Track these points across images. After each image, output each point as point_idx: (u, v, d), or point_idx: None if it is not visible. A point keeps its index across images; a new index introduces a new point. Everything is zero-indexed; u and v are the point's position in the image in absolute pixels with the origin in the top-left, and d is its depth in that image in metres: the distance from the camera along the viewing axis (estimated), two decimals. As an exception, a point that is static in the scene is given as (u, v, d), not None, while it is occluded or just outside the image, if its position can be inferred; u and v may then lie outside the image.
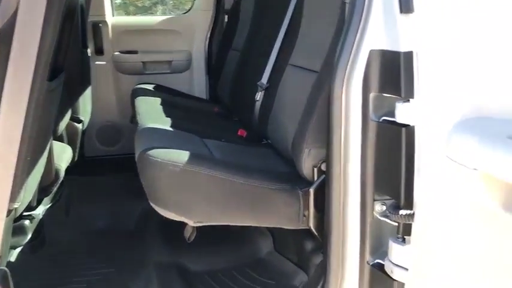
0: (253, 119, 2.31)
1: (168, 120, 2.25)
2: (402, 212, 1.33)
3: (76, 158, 2.55)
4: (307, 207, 1.64)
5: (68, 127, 2.47)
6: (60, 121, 2.21)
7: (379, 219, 1.46)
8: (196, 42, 3.56)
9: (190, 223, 1.64)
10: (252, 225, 1.74)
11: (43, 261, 2.03)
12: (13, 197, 1.35)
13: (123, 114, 3.32)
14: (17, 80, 1.27)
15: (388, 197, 1.43)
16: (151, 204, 1.64)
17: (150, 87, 3.20)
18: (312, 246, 1.81)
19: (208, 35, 3.56)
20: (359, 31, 1.38)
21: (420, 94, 1.26)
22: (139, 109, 2.52)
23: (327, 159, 1.50)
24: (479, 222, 0.94)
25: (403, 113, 1.32)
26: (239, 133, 2.31)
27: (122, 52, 3.42)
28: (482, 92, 0.95)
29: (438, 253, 1.10)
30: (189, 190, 1.59)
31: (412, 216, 1.32)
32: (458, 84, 1.03)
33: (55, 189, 2.06)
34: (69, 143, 2.45)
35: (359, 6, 1.38)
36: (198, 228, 1.74)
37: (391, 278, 1.40)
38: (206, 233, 1.91)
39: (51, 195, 2.11)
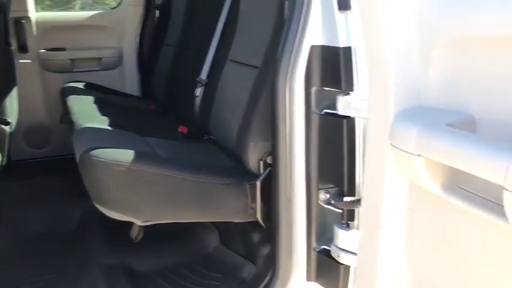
0: (194, 115, 2.31)
1: (106, 119, 2.20)
2: (346, 199, 1.41)
3: (4, 162, 2.42)
4: (254, 199, 1.68)
5: None
6: None
7: (324, 207, 1.53)
8: (126, 38, 3.48)
9: (139, 223, 1.63)
10: (201, 220, 1.76)
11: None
12: None
13: (51, 114, 3.19)
14: None
15: (331, 186, 1.51)
16: (97, 205, 1.60)
17: (81, 85, 3.10)
18: (259, 238, 1.85)
19: (139, 31, 3.50)
20: (300, 28, 1.43)
21: (359, 87, 1.34)
22: (72, 109, 2.44)
23: (273, 152, 1.55)
24: (421, 204, 1.02)
25: (344, 105, 1.39)
26: (180, 130, 2.30)
27: (48, 49, 3.28)
28: (418, 84, 1.03)
29: (382, 235, 1.18)
30: (136, 189, 1.58)
31: (355, 202, 1.40)
32: (396, 76, 1.10)
33: None
34: (-4, 146, 2.33)
35: (299, 4, 1.43)
36: (143, 227, 1.73)
37: (337, 262, 1.48)
38: (150, 232, 1.90)
39: None
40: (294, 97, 1.46)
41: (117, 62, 3.47)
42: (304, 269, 1.59)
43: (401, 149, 0.98)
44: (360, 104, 1.35)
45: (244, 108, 1.78)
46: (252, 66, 1.88)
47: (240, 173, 1.71)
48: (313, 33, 1.42)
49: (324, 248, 1.55)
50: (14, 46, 3.03)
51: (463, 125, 0.90)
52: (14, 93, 2.67)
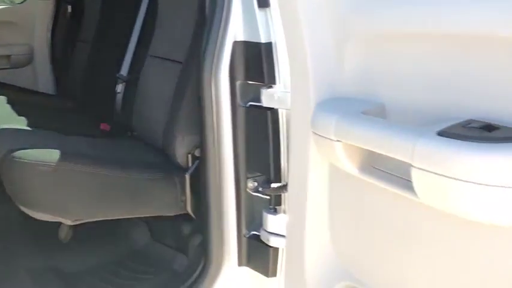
0: (116, 112, 2.29)
1: (23, 120, 2.12)
2: (273, 185, 1.50)
3: None
4: (184, 192, 1.72)
5: None
6: None
7: (252, 195, 1.61)
8: (37, 35, 3.33)
9: (68, 222, 1.61)
10: (132, 216, 1.77)
11: None
12: None
13: None
14: None
15: (259, 174, 1.59)
16: (21, 207, 1.56)
17: None
18: (189, 229, 1.89)
19: (51, 27, 3.36)
20: (222, 25, 1.49)
21: (282, 80, 1.43)
22: (-16, 110, 2.32)
23: (201, 144, 1.60)
24: (341, 185, 1.12)
25: (268, 98, 1.48)
26: (102, 127, 2.27)
27: (-51, 47, 3.06)
28: (336, 76, 1.13)
29: (307, 216, 1.27)
30: (64, 189, 1.56)
31: (282, 188, 1.50)
32: (314, 70, 1.19)
33: None
34: None
35: (220, 1, 1.49)
36: (71, 227, 1.71)
37: (267, 245, 1.57)
38: (79, 232, 1.87)
39: None
40: (219, 91, 1.52)
41: (28, 60, 3.31)
42: (236, 255, 1.66)
43: (322, 136, 1.07)
44: (282, 96, 1.44)
45: (170, 103, 1.80)
46: (175, 61, 1.91)
47: (169, 167, 1.74)
48: (235, 29, 1.49)
49: (253, 234, 1.63)
50: None
51: (376, 112, 1.01)
52: None
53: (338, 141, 1.02)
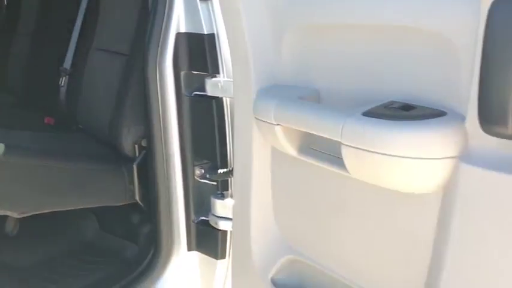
0: (60, 106, 2.28)
1: (-39, 116, 2.07)
2: (220, 171, 1.57)
3: None
4: (132, 182, 1.75)
5: None
6: None
7: (200, 181, 1.67)
8: (-30, 28, 3.21)
9: (15, 215, 1.60)
10: (81, 207, 1.78)
11: None
12: None
13: None
14: None
15: (206, 161, 1.65)
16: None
17: None
18: (138, 218, 1.93)
19: (-15, 20, 3.25)
20: (165, 17, 1.54)
21: (225, 70, 1.49)
22: None
23: (148, 134, 1.64)
24: (282, 166, 1.20)
25: (212, 87, 1.54)
26: (46, 121, 2.25)
27: None
28: (274, 65, 1.20)
29: (252, 197, 1.35)
30: (12, 182, 1.56)
31: (228, 173, 1.57)
32: (254, 59, 1.25)
33: None
34: None
35: (162, -6, 1.53)
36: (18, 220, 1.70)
37: (215, 229, 1.64)
38: (26, 225, 1.86)
39: None
40: (164, 82, 1.56)
41: (-39, 54, 3.18)
42: (185, 241, 1.72)
43: (263, 121, 1.14)
44: (226, 85, 1.50)
45: (115, 95, 1.82)
46: (119, 53, 1.92)
47: (116, 158, 1.76)
48: (178, 21, 1.54)
49: (202, 219, 1.69)
50: None
51: (311, 97, 1.10)
52: None
53: (278, 124, 1.09)
